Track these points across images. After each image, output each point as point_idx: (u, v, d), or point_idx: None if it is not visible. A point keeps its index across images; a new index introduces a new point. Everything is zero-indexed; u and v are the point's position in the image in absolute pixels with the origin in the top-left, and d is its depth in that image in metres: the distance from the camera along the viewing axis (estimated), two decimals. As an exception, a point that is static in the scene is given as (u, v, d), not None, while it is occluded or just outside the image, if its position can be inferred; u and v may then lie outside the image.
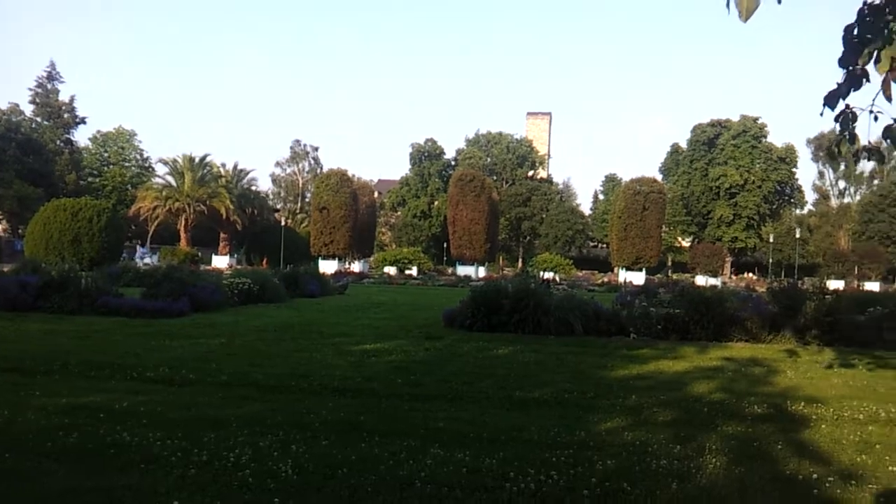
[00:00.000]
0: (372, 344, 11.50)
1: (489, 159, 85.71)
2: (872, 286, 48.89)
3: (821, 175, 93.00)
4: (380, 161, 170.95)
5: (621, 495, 4.40)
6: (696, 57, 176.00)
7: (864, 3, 4.29)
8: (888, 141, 4.30)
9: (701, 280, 46.94)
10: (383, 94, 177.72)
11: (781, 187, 78.35)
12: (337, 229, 54.09)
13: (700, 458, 5.27)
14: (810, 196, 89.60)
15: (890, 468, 5.15)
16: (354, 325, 14.52)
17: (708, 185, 77.08)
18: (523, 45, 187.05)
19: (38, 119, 71.14)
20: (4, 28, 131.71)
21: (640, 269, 54.78)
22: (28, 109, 70.57)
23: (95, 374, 7.99)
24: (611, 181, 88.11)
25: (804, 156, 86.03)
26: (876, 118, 4.27)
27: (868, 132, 4.48)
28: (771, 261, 70.36)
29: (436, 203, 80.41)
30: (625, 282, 45.54)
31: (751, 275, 71.35)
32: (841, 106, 4.40)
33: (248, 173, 70.94)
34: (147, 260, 48.71)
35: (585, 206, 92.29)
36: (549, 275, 44.69)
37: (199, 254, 56.85)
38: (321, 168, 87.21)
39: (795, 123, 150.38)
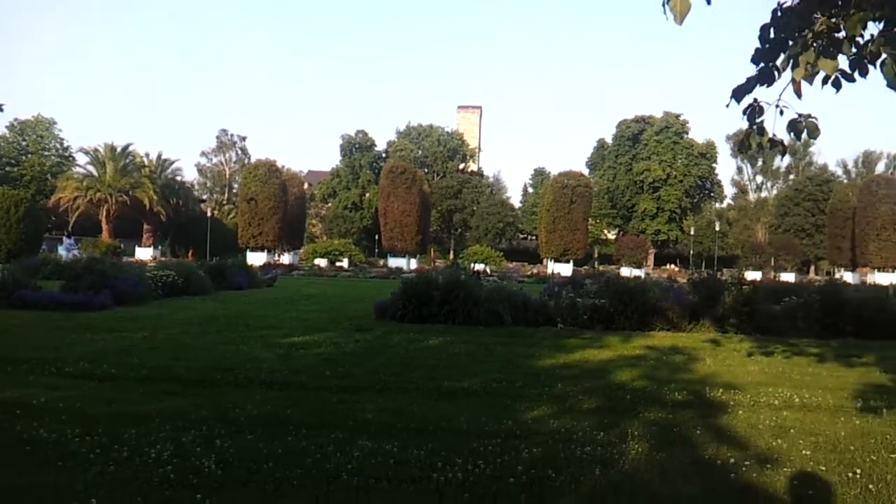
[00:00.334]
0: (300, 336, 11.35)
1: (420, 152, 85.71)
2: (788, 277, 51.33)
3: (739, 170, 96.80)
4: (310, 152, 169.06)
5: (547, 482, 4.48)
6: (621, 54, 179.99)
7: (778, 4, 4.46)
8: (792, 134, 4.49)
9: (625, 271, 48.21)
10: (313, 84, 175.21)
11: (702, 182, 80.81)
12: (265, 221, 53.21)
13: (623, 445, 5.40)
14: (729, 190, 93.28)
15: (804, 452, 5.37)
16: (283, 318, 14.31)
17: (632, 180, 78.91)
18: (454, 38, 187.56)
19: (-50, 107, 67.17)
20: None
21: (568, 261, 55.88)
22: (-64, 95, 66.78)
23: (12, 370, 7.69)
24: (540, 175, 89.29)
25: (724, 152, 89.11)
26: (781, 112, 4.45)
27: (773, 125, 4.67)
28: (692, 253, 72.85)
29: (367, 195, 79.95)
30: (553, 273, 46.31)
31: (673, 266, 73.75)
32: (748, 100, 4.58)
33: (172, 163, 68.84)
34: (75, 252, 46.90)
35: (515, 199, 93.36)
36: (479, 266, 45.07)
37: (122, 245, 55.04)
38: (249, 158, 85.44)
39: (715, 121, 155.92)
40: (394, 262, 53.43)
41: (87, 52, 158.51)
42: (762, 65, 4.41)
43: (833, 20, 4.13)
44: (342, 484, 4.32)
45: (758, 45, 4.52)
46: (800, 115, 4.44)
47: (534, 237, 78.66)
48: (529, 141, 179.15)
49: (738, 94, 4.54)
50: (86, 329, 11.42)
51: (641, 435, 5.72)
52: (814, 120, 4.42)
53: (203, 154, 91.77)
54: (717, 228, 71.26)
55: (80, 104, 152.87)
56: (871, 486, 4.56)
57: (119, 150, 61.74)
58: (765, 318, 13.94)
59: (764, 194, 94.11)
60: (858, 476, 4.76)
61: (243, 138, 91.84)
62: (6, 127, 74.51)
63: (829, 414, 6.75)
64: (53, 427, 5.31)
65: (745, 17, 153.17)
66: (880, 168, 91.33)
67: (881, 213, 54.65)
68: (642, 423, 6.19)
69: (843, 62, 4.25)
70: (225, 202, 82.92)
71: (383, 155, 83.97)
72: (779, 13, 4.28)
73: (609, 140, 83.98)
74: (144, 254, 54.34)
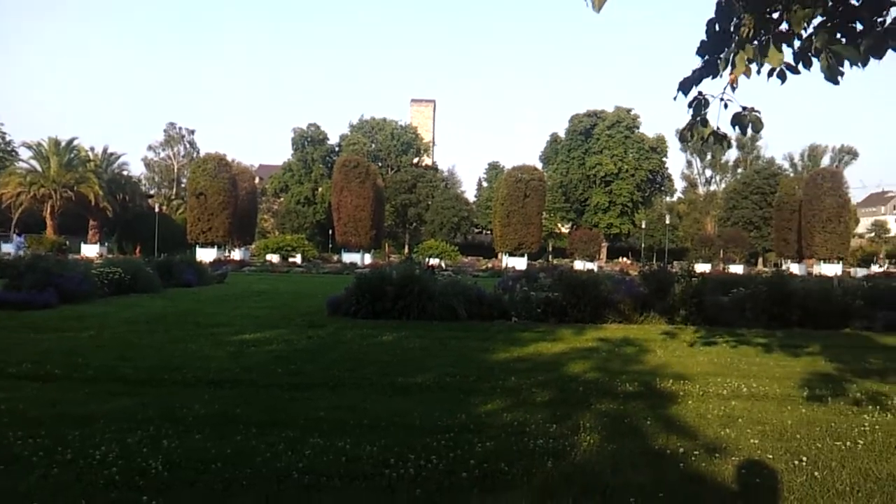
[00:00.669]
0: (252, 334, 11.19)
1: (374, 145, 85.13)
2: (737, 269, 52.51)
3: (689, 164, 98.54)
4: (261, 146, 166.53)
5: (499, 475, 4.49)
6: (574, 48, 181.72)
7: None
8: (736, 128, 4.56)
9: (579, 265, 48.71)
10: (264, 77, 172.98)
11: (653, 176, 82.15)
12: (215, 216, 52.25)
13: (575, 437, 5.45)
14: (679, 184, 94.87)
15: (751, 440, 5.49)
16: (233, 315, 14.07)
17: (585, 174, 79.83)
18: (406, 31, 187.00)
19: None
20: None
21: (523, 255, 56.21)
22: None
23: (-50, 372, 7.41)
24: (494, 169, 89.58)
25: (674, 146, 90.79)
26: (726, 105, 4.52)
27: (718, 118, 4.74)
28: (643, 246, 74.03)
29: (320, 189, 79.09)
30: (507, 267, 46.58)
31: (625, 259, 74.92)
32: (694, 92, 4.64)
33: (118, 157, 66.99)
34: (24, 250, 45.46)
35: (470, 194, 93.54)
36: (434, 261, 45.11)
37: (67, 242, 53.39)
38: (198, 152, 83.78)
39: (666, 115, 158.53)
40: (348, 258, 53.10)
41: (20, 42, 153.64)
42: (707, 57, 4.47)
43: (774, 15, 4.19)
44: (293, 482, 4.27)
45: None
46: (744, 109, 4.51)
47: (489, 231, 78.97)
48: (483, 135, 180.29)
49: (685, 86, 4.60)
50: (29, 328, 11.12)
51: (593, 426, 5.77)
52: (757, 114, 4.49)
53: (150, 148, 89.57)
54: (668, 222, 72.47)
55: (24, 99, 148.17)
56: (816, 474, 4.68)
57: (63, 144, 59.89)
58: (713, 309, 14.22)
59: (713, 188, 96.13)
60: (804, 464, 4.88)
61: (192, 132, 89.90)
62: (-55, 121, 71.87)
63: (776, 403, 6.91)
64: (-7, 430, 5.13)
65: (696, 11, 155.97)
66: (825, 161, 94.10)
67: (826, 206, 56.07)
68: (594, 414, 6.25)
69: (787, 55, 4.33)
70: (173, 197, 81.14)
71: (336, 149, 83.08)
72: (723, 6, 4.33)
73: (562, 134, 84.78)
74: (91, 251, 52.87)
